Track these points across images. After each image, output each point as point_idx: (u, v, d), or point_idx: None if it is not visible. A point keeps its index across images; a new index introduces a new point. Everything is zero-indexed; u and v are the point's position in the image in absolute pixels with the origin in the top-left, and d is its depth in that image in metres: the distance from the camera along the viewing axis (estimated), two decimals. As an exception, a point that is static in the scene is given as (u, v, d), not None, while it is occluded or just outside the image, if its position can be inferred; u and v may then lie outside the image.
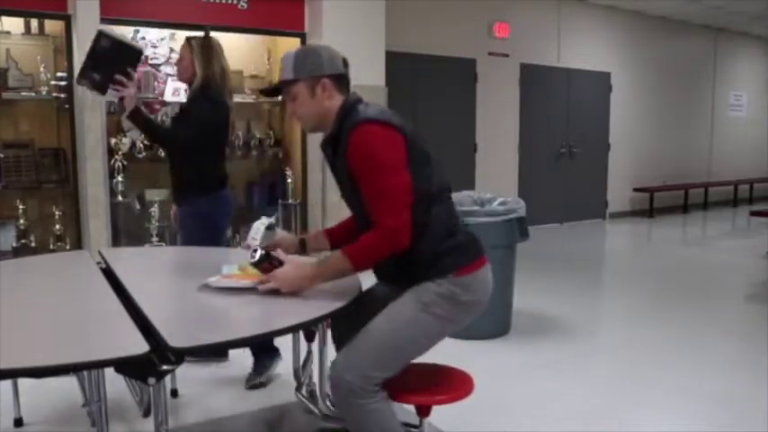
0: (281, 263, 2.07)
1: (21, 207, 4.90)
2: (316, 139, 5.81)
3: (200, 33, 3.57)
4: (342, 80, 2.10)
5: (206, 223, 3.31)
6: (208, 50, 3.31)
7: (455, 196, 4.31)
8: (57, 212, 5.02)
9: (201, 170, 3.30)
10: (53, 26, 5.01)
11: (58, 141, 5.12)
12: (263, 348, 3.28)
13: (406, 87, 7.20)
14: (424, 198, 2.01)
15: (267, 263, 2.06)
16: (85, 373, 2.39)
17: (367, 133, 1.97)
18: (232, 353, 3.58)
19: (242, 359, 3.39)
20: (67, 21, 4.82)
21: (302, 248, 2.37)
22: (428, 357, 2.14)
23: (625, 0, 9.16)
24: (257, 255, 2.07)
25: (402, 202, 1.95)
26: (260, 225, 2.25)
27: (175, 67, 3.63)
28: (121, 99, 3.07)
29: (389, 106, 6.20)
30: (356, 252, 2.00)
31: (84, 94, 4.74)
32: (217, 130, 3.31)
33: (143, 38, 5.54)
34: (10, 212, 4.93)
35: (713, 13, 9.90)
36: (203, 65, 3.26)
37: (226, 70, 3.37)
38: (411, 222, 1.96)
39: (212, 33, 5.39)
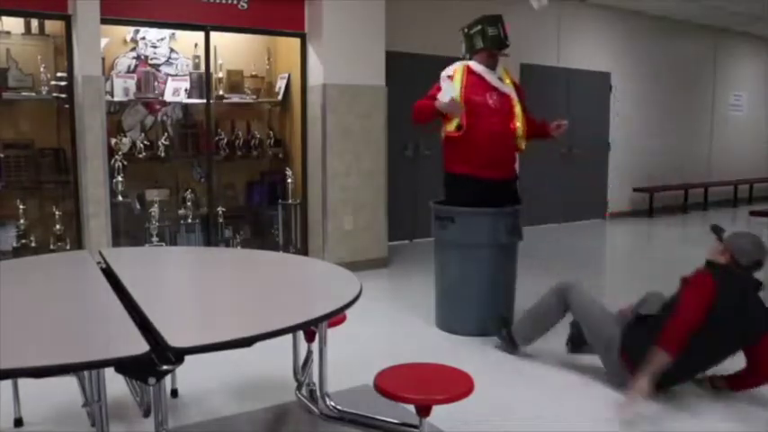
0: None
1: (21, 207, 4.90)
2: (316, 140, 5.86)
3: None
4: None
5: None
6: None
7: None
8: (57, 212, 5.02)
9: None
10: (53, 26, 5.01)
11: (58, 141, 5.12)
12: None
13: (406, 87, 7.18)
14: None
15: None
16: (85, 373, 2.39)
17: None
18: (232, 353, 3.57)
19: (242, 359, 3.38)
20: (67, 21, 4.82)
21: None
22: (428, 357, 2.14)
23: (625, 0, 9.15)
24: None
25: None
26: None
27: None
28: None
29: (389, 106, 6.26)
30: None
31: (84, 94, 4.75)
32: None
33: (143, 38, 5.54)
34: (10, 212, 4.94)
35: (713, 13, 9.90)
36: None
37: None
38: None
39: (212, 33, 5.45)
